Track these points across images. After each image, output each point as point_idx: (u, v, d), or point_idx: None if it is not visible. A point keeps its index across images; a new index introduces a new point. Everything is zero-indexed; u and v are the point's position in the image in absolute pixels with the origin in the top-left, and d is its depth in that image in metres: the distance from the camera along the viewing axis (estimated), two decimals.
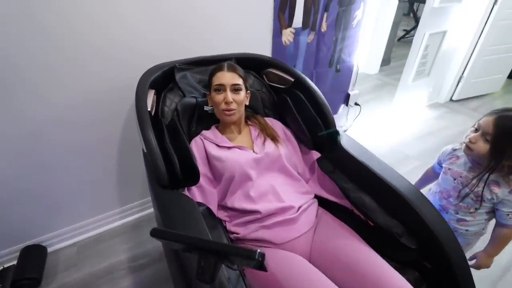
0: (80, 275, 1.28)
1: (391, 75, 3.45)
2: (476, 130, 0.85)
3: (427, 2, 2.05)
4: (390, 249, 0.76)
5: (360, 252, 0.73)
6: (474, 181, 0.84)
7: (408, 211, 0.75)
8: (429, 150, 2.15)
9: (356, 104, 2.08)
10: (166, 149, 0.79)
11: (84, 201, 1.39)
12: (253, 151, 0.92)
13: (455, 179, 0.92)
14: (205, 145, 0.93)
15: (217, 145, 0.93)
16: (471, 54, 2.56)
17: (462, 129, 2.43)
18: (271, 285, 0.69)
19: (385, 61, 3.57)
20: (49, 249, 1.38)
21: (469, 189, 0.86)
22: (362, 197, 0.83)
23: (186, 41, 1.25)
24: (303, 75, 1.06)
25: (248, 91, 0.99)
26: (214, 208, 0.88)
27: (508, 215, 0.84)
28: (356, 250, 0.73)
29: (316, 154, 1.02)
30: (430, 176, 1.11)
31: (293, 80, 1.07)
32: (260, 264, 0.38)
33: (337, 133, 0.95)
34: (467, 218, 0.91)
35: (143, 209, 1.59)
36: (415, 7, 4.77)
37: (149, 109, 0.85)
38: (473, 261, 0.94)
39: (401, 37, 4.58)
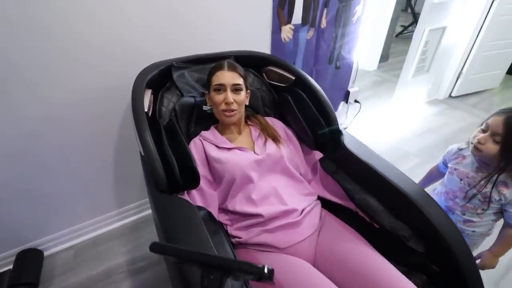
0: (78, 279, 1.26)
1: (390, 71, 3.44)
2: (484, 131, 0.83)
3: None
4: (396, 252, 0.75)
5: (366, 256, 0.71)
6: (482, 182, 0.82)
7: (414, 213, 0.73)
8: (429, 147, 2.13)
9: (356, 101, 2.05)
10: (164, 152, 0.76)
11: (81, 203, 1.36)
12: (254, 152, 0.90)
13: (461, 180, 0.90)
14: (204, 146, 0.90)
15: (217, 146, 0.90)
16: (471, 50, 2.54)
17: (461, 125, 2.43)
18: None
19: (384, 58, 3.55)
20: (46, 253, 1.35)
21: (477, 190, 0.84)
22: (367, 198, 0.81)
23: (184, 37, 1.22)
24: (304, 73, 1.04)
25: (248, 90, 0.96)
26: (214, 211, 0.85)
27: None
28: (362, 254, 0.71)
29: (318, 154, 1.00)
30: (434, 175, 1.09)
31: (294, 78, 1.05)
32: (269, 279, 0.36)
33: (340, 132, 0.93)
34: (474, 219, 0.89)
35: (141, 210, 1.56)
36: (412, 2, 4.74)
37: (146, 110, 0.82)
38: (478, 261, 0.92)
39: (399, 33, 4.56)
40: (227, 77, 0.87)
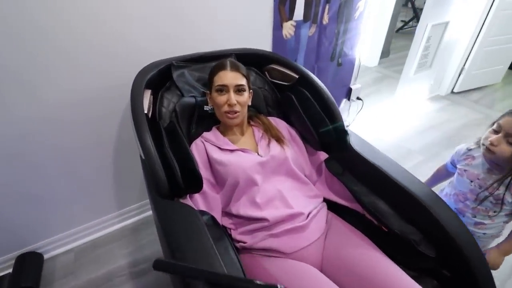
0: (79, 282, 1.24)
1: (391, 67, 3.40)
2: (496, 132, 0.81)
3: None
4: (405, 256, 0.73)
5: (376, 261, 0.69)
6: (495, 185, 0.80)
7: (424, 216, 0.71)
8: (432, 145, 2.11)
9: (358, 98, 2.03)
10: (165, 155, 0.74)
11: (80, 204, 1.33)
12: (258, 153, 0.87)
13: (471, 182, 0.88)
14: (206, 148, 0.87)
15: (219, 148, 0.87)
16: (473, 45, 2.51)
17: (464, 122, 2.40)
18: None
19: (384, 53, 3.52)
20: (45, 256, 1.33)
21: (489, 192, 0.82)
22: (375, 201, 0.79)
23: (184, 35, 1.18)
24: (308, 71, 1.01)
25: (251, 90, 0.94)
26: (218, 215, 0.83)
27: None
28: (371, 259, 0.69)
29: (323, 155, 0.98)
30: (442, 174, 1.07)
31: (297, 76, 1.02)
32: None
33: (346, 132, 0.90)
34: (485, 222, 0.87)
35: (142, 211, 1.54)
36: None
37: (145, 112, 0.80)
38: None
39: (400, 28, 4.52)
40: (230, 77, 0.84)
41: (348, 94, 1.99)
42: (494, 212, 0.84)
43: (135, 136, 0.75)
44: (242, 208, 0.81)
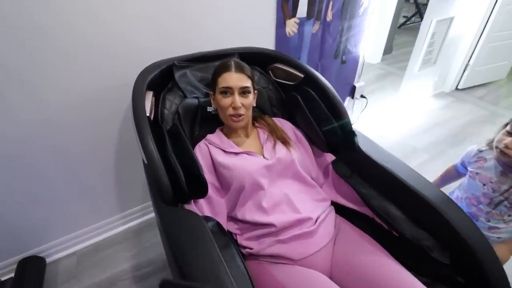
0: (81, 287, 1.22)
1: (394, 64, 3.37)
2: (510, 133, 0.78)
3: None
4: (418, 262, 0.70)
5: (388, 268, 0.66)
6: (511, 190, 0.77)
7: (438, 221, 0.68)
8: (437, 143, 2.08)
9: (362, 96, 2.00)
10: (168, 159, 0.71)
11: (82, 207, 1.32)
12: (263, 156, 0.85)
13: (484, 185, 0.85)
14: (210, 151, 0.85)
15: (224, 151, 0.85)
16: (478, 41, 2.47)
17: (469, 119, 2.37)
18: None
19: (387, 50, 3.47)
20: (48, 260, 1.31)
21: (504, 197, 0.79)
22: (385, 204, 0.76)
23: (186, 33, 1.16)
24: (314, 70, 0.98)
25: (256, 91, 0.91)
26: (223, 220, 0.81)
27: None
28: (384, 267, 0.67)
29: (330, 157, 0.95)
30: (452, 176, 1.04)
31: (302, 76, 0.99)
32: None
33: (353, 133, 0.87)
34: (500, 226, 0.85)
35: (145, 213, 1.52)
36: None
37: (147, 114, 0.77)
38: None
39: (402, 24, 4.47)
40: (235, 79, 0.82)
41: (352, 92, 1.96)
42: (509, 216, 0.82)
43: (137, 140, 0.72)
44: (248, 213, 0.78)
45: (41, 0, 0.86)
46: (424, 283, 0.64)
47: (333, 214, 0.85)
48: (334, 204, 0.89)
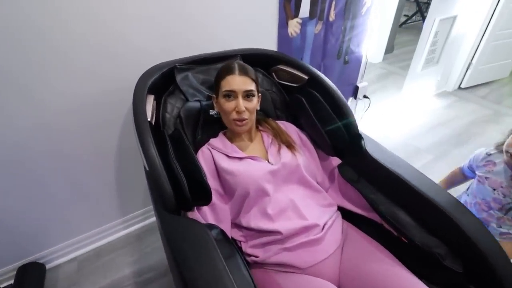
0: None
1: (395, 63, 3.34)
2: None
3: None
4: (429, 270, 0.68)
5: (401, 278, 0.64)
6: None
7: (450, 228, 0.66)
8: (441, 143, 2.06)
9: (364, 96, 1.97)
10: (171, 165, 0.69)
11: (82, 212, 1.29)
12: (268, 161, 0.82)
13: (494, 190, 0.83)
14: (213, 156, 0.82)
15: (227, 156, 0.82)
16: (481, 39, 2.44)
17: (472, 118, 2.35)
18: None
19: (389, 49, 3.45)
20: (48, 266, 1.29)
21: None
22: (394, 210, 0.74)
23: (187, 34, 1.13)
24: (318, 72, 0.96)
25: (260, 94, 0.89)
26: (227, 227, 0.78)
27: None
28: (396, 276, 0.64)
29: (335, 160, 0.93)
30: (459, 179, 1.02)
31: (306, 77, 0.97)
32: None
33: (360, 137, 0.85)
34: None
35: (146, 217, 1.50)
36: None
37: (149, 119, 0.75)
38: None
39: (403, 23, 4.44)
40: (239, 82, 0.79)
41: (354, 92, 1.94)
42: None
43: (138, 146, 0.70)
44: (253, 220, 0.76)
45: (39, 0, 0.84)
46: None
47: (340, 219, 0.83)
48: (340, 209, 0.87)
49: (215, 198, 0.77)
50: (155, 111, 0.83)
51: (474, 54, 2.53)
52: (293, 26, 1.38)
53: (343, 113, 0.87)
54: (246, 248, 0.77)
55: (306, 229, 0.73)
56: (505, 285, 0.60)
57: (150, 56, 1.03)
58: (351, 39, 1.66)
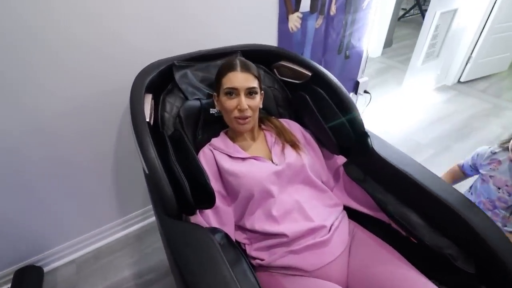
0: None
1: (394, 57, 3.31)
2: None
3: None
4: (440, 271, 0.66)
5: (411, 280, 0.62)
6: None
7: (460, 226, 0.64)
8: (442, 137, 2.05)
9: (365, 92, 1.95)
10: (171, 168, 0.66)
11: (80, 213, 1.26)
12: (272, 161, 0.80)
13: (499, 188, 0.81)
14: (215, 157, 0.80)
15: (230, 156, 0.80)
16: (481, 33, 2.42)
17: (472, 112, 2.34)
18: None
19: (387, 43, 3.42)
20: (45, 269, 1.26)
21: None
22: (403, 210, 0.72)
23: (184, 29, 1.09)
24: (322, 68, 0.93)
25: (262, 92, 0.85)
26: (230, 230, 0.76)
27: None
28: (406, 277, 0.63)
29: (340, 159, 0.90)
30: (458, 177, 1.00)
31: (310, 74, 0.94)
32: None
33: (367, 134, 0.83)
34: None
35: (146, 217, 1.47)
36: None
37: (147, 120, 0.72)
38: None
39: (401, 16, 4.40)
40: (241, 79, 0.76)
41: (355, 87, 1.91)
42: None
43: (137, 148, 0.67)
44: (257, 222, 0.74)
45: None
46: None
47: (346, 220, 0.81)
48: (346, 208, 0.85)
49: (218, 200, 0.75)
50: (153, 111, 0.80)
51: (474, 48, 2.51)
52: (294, 21, 1.35)
53: (348, 111, 0.85)
54: (251, 251, 0.75)
55: (313, 231, 0.71)
56: None
57: (147, 54, 0.99)
58: (352, 34, 1.63)
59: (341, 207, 0.83)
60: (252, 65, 0.81)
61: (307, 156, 0.84)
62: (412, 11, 4.49)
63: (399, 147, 0.84)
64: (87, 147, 1.12)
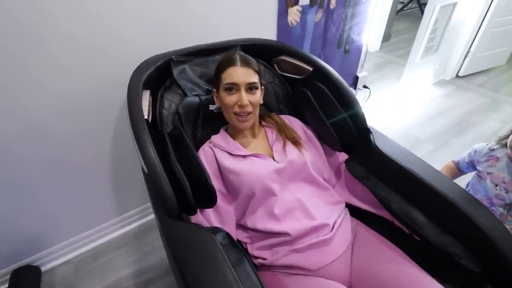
0: None
1: (393, 51, 3.29)
2: None
3: None
4: (444, 270, 0.66)
5: (415, 277, 0.61)
6: None
7: (464, 223, 0.64)
8: (441, 133, 2.04)
9: (364, 86, 1.93)
10: (171, 167, 0.64)
11: (77, 212, 1.24)
12: (273, 159, 0.78)
13: (496, 185, 0.81)
14: (216, 154, 0.78)
15: (230, 154, 0.78)
16: (480, 26, 2.41)
17: (470, 107, 2.33)
18: None
19: (386, 37, 3.39)
20: (43, 269, 1.25)
21: None
22: (406, 208, 0.71)
23: (182, 23, 1.07)
24: (323, 63, 0.91)
25: (263, 87, 0.83)
26: (232, 229, 0.75)
27: None
28: (410, 275, 0.62)
29: (342, 156, 0.89)
30: (453, 174, 0.99)
31: (311, 69, 0.92)
32: None
33: (369, 131, 0.81)
34: None
35: (144, 215, 1.46)
36: None
37: (145, 117, 0.69)
38: None
39: (399, 10, 4.37)
40: (241, 74, 0.74)
41: (354, 82, 1.90)
42: None
43: (135, 147, 0.65)
44: (259, 221, 0.73)
45: None
46: None
47: (348, 217, 0.80)
48: (348, 206, 0.84)
49: (218, 199, 0.73)
50: (151, 108, 0.77)
51: (473, 42, 2.50)
52: (293, 14, 1.32)
53: (350, 106, 0.83)
54: (252, 250, 0.74)
55: (316, 229, 0.70)
56: None
57: (144, 49, 0.96)
58: (352, 28, 1.61)
59: (343, 205, 0.82)
60: (252, 59, 0.78)
61: (309, 153, 0.82)
62: (410, 4, 4.47)
63: (399, 142, 0.83)
64: (83, 145, 1.10)
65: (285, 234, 0.69)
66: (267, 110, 0.95)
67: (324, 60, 1.58)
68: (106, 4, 0.89)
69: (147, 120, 0.70)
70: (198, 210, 0.70)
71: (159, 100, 0.83)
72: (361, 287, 0.66)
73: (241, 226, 0.78)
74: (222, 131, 0.86)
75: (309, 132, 0.90)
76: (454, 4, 2.13)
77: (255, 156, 0.77)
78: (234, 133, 0.84)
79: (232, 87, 0.74)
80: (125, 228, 1.42)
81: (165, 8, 1.00)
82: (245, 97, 0.74)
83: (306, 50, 1.49)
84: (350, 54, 1.72)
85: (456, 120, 2.17)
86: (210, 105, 0.87)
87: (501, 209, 0.82)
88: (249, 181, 0.72)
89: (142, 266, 1.27)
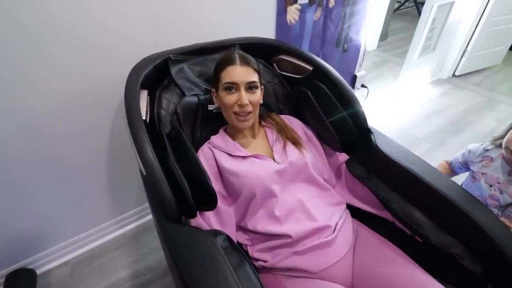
0: None
1: (390, 50, 3.30)
2: None
3: None
4: (445, 271, 0.65)
5: (416, 278, 0.61)
6: None
7: (466, 223, 0.63)
8: (437, 131, 2.05)
9: (362, 86, 1.93)
10: (171, 169, 0.63)
11: (74, 213, 1.23)
12: (274, 159, 0.77)
13: (491, 186, 0.81)
14: (215, 155, 0.77)
15: (230, 155, 0.77)
16: (476, 26, 2.42)
17: (467, 106, 2.35)
18: None
19: (383, 36, 3.40)
20: (39, 271, 1.23)
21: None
22: (407, 208, 0.71)
23: (180, 21, 1.05)
24: (323, 62, 0.90)
25: (262, 86, 0.82)
26: (232, 231, 0.74)
27: None
28: (412, 276, 0.61)
29: (342, 156, 0.89)
30: (447, 175, 0.99)
31: (311, 68, 0.91)
32: None
33: (369, 131, 0.81)
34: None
35: (142, 216, 1.44)
36: None
37: (143, 117, 0.68)
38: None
39: (396, 9, 4.38)
40: (240, 73, 0.73)
41: (352, 81, 1.89)
42: None
43: (133, 148, 0.64)
44: (260, 223, 0.72)
45: None
46: None
47: (349, 218, 0.79)
48: (348, 207, 0.83)
49: (219, 201, 0.71)
50: (149, 108, 0.76)
51: (470, 41, 2.51)
52: (292, 13, 1.31)
53: (350, 105, 0.82)
54: (253, 252, 0.73)
55: (317, 231, 0.69)
56: None
57: (141, 48, 0.94)
58: (350, 27, 1.60)
59: (344, 206, 0.81)
60: (251, 58, 0.77)
61: (309, 154, 0.81)
62: (406, 3, 4.48)
63: (397, 141, 0.83)
64: (81, 145, 1.08)
65: (286, 236, 0.68)
66: (267, 110, 0.94)
67: (322, 59, 1.57)
68: (105, 3, 0.87)
69: (144, 120, 0.68)
70: (198, 212, 0.69)
71: (157, 100, 0.81)
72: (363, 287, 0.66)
73: (241, 228, 0.77)
74: (221, 131, 0.84)
75: (309, 132, 0.89)
76: (452, 3, 2.14)
77: (255, 157, 0.76)
78: (234, 133, 0.82)
79: (232, 87, 0.73)
80: (123, 229, 1.40)
81: (163, 5, 0.98)
82: (245, 97, 0.72)
83: (304, 49, 1.48)
84: (349, 53, 1.72)
85: (453, 119, 2.18)
86: (209, 105, 0.86)
87: (496, 210, 0.82)
88: (249, 183, 0.71)
89: (140, 267, 1.25)
